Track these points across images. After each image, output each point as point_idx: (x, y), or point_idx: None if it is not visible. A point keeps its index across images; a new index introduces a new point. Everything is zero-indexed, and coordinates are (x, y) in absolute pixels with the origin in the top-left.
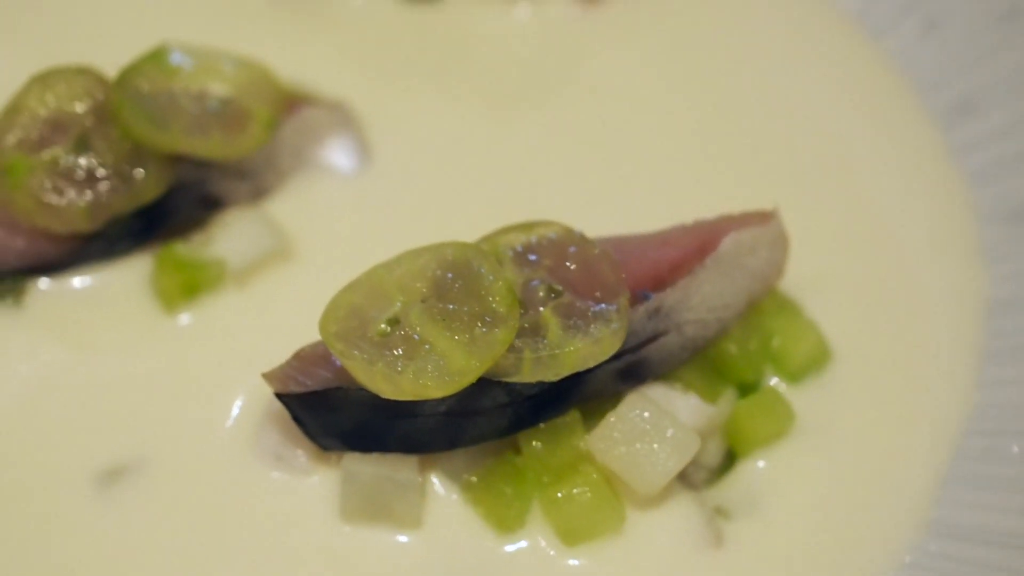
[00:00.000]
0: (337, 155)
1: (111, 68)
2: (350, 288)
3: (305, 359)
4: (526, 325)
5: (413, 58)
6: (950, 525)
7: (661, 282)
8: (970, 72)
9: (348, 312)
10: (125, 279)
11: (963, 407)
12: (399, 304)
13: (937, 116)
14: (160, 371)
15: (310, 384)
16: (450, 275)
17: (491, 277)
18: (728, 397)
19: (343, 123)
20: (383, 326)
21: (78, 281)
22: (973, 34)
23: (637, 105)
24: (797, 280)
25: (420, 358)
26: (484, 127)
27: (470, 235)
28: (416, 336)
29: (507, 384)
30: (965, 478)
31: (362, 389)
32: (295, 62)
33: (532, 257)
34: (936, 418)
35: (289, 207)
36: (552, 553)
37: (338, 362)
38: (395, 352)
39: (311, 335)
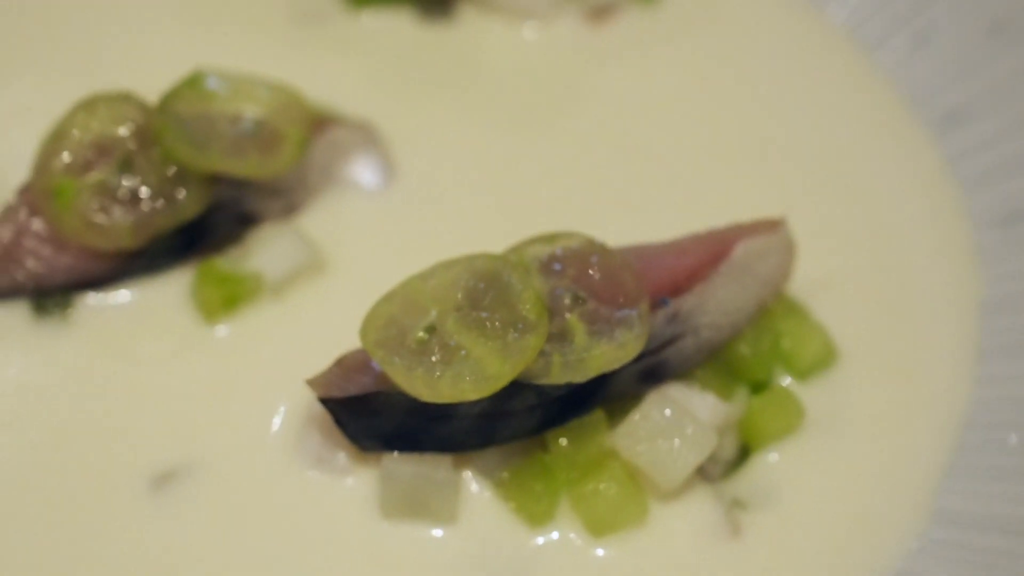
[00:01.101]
0: (363, 172)
1: (147, 93)
2: (387, 299)
3: (346, 366)
4: (554, 331)
5: (429, 76)
6: (953, 513)
7: (678, 288)
8: (960, 84)
9: (386, 321)
10: (167, 293)
11: (963, 402)
12: (435, 313)
13: (930, 126)
14: (204, 379)
15: (352, 389)
16: (482, 285)
17: (520, 286)
18: (741, 395)
19: (368, 141)
20: (421, 334)
21: (123, 296)
22: (962, 48)
23: (645, 119)
24: (803, 284)
25: (457, 364)
26: (501, 142)
27: (492, 246)
28: (452, 343)
29: (537, 386)
30: (967, 469)
31: (401, 393)
32: (318, 82)
33: (556, 267)
34: (938, 412)
35: (320, 222)
36: (580, 544)
37: (378, 368)
38: (433, 358)
39: (346, 343)
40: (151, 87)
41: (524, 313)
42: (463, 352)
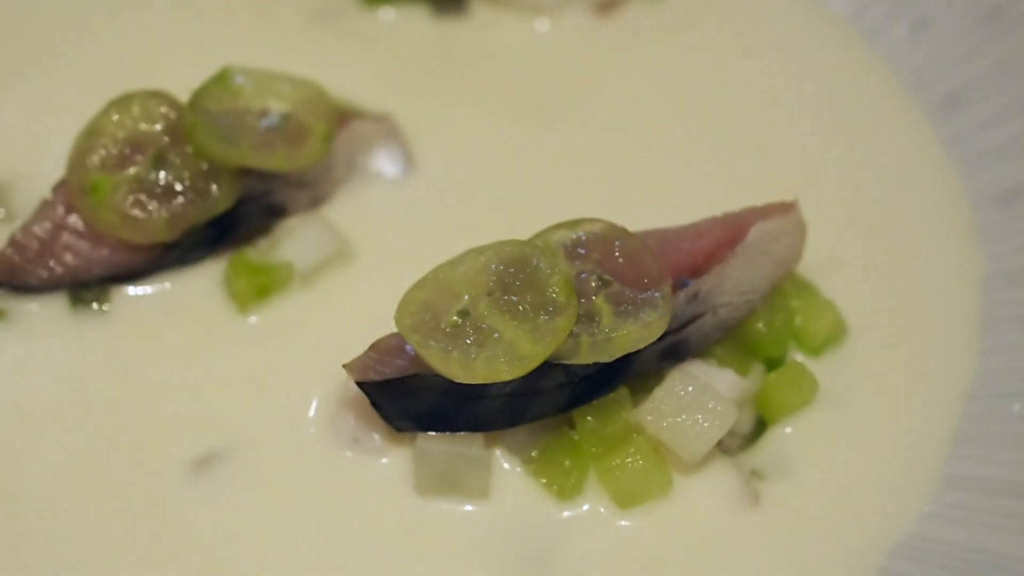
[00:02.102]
0: (384, 163)
1: (172, 90)
2: (419, 285)
3: (381, 350)
4: (581, 313)
5: (444, 69)
6: (962, 478)
7: (697, 270)
8: (957, 69)
9: (420, 307)
10: (200, 284)
11: (967, 372)
12: (467, 298)
13: (929, 110)
14: (239, 366)
15: (388, 372)
16: (511, 270)
17: (548, 270)
18: (757, 371)
19: (388, 133)
20: (454, 318)
21: (157, 287)
22: (958, 34)
23: (653, 107)
24: (812, 264)
25: (490, 346)
26: (515, 132)
27: (510, 232)
28: (485, 326)
29: (565, 366)
30: (973, 436)
31: (436, 375)
32: (337, 76)
33: (581, 251)
34: (943, 383)
35: (345, 213)
36: (607, 516)
37: (412, 352)
38: (467, 341)
39: (376, 328)
40: (175, 84)
41: (553, 296)
42: (496, 335)
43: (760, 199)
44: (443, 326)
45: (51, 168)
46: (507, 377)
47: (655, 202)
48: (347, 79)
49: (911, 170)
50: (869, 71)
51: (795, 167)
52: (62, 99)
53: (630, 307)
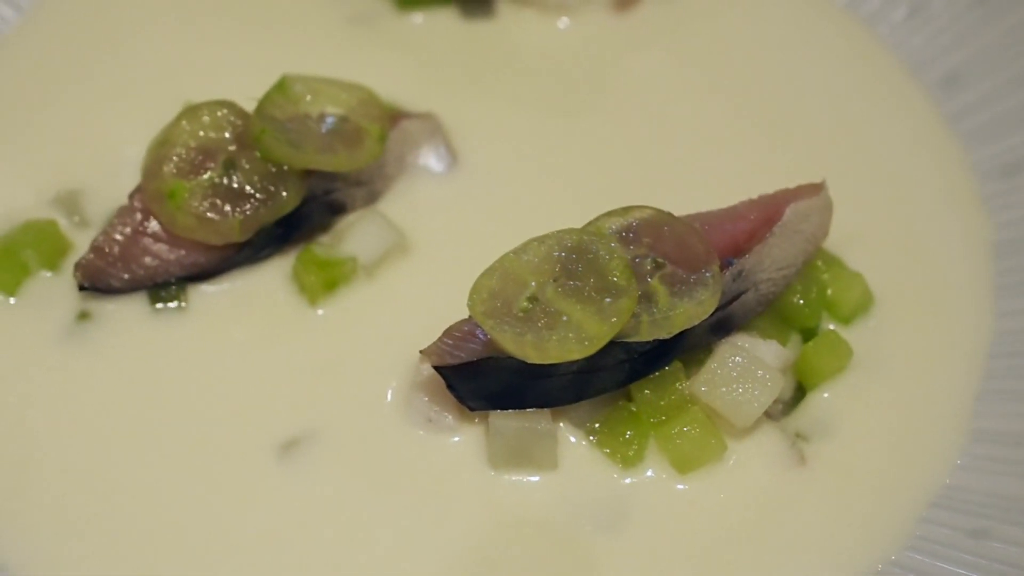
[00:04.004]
0: (431, 159)
1: (228, 96)
2: (487, 274)
3: (455, 335)
4: (640, 294)
5: (475, 67)
6: (989, 432)
7: (739, 249)
8: (954, 49)
9: (490, 295)
10: (270, 279)
11: (986, 334)
12: (534, 284)
13: (930, 89)
14: (314, 355)
15: (463, 356)
16: (573, 256)
17: (608, 256)
18: (794, 340)
19: (433, 131)
20: (525, 303)
21: (230, 284)
22: (953, 16)
23: (673, 96)
24: (836, 239)
25: (560, 328)
26: (547, 125)
27: (554, 220)
28: (554, 310)
29: (625, 344)
30: (996, 392)
31: (508, 357)
32: (377, 78)
33: (633, 236)
34: (965, 344)
35: (399, 207)
36: (668, 481)
37: (484, 336)
38: (539, 324)
39: (439, 314)
40: (227, 91)
41: (615, 280)
42: (564, 318)
43: (780, 180)
44: (514, 311)
45: (122, 176)
46: (577, 356)
47: (687, 187)
48: (386, 80)
49: (917, 146)
50: (872, 56)
51: (810, 149)
52: (124, 112)
53: (684, 287)
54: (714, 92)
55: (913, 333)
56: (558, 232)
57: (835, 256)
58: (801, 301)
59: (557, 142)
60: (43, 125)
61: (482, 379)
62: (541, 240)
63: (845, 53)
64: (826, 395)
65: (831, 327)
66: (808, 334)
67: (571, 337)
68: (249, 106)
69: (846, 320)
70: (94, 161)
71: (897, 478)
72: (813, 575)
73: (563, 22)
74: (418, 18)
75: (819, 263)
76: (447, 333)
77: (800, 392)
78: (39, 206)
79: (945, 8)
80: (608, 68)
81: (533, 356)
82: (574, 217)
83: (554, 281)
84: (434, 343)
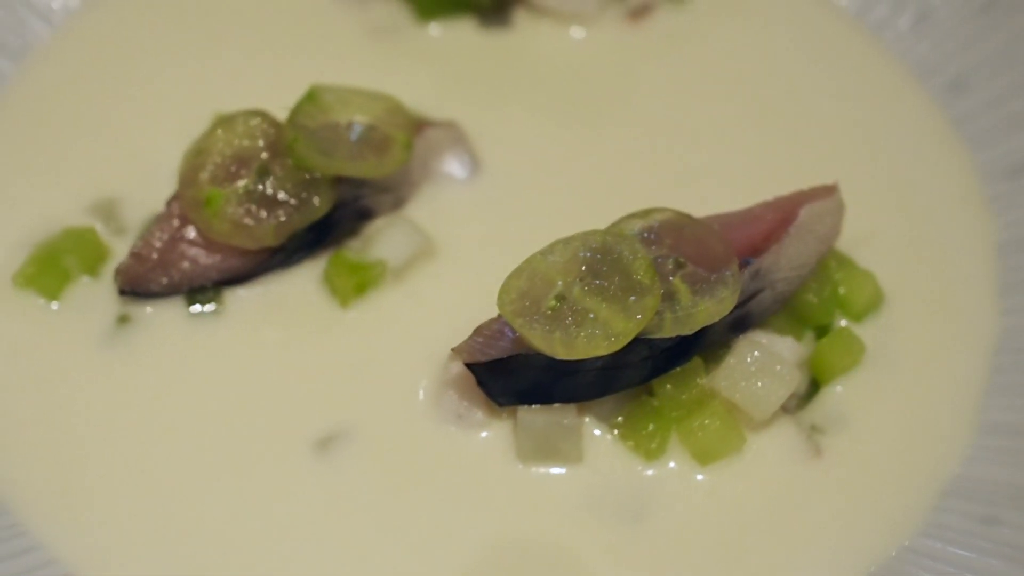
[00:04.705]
0: (454, 166)
1: (258, 107)
2: (515, 275)
3: (485, 334)
4: (662, 292)
5: (494, 76)
6: (997, 423)
7: (756, 250)
8: (959, 56)
9: (519, 294)
10: (302, 283)
11: (992, 330)
12: (561, 284)
13: (936, 94)
14: (346, 355)
15: (493, 354)
16: (598, 256)
17: (631, 256)
18: (808, 337)
19: (456, 138)
20: (552, 302)
21: (264, 288)
22: (958, 24)
23: (687, 103)
24: (847, 239)
25: (588, 325)
26: (565, 131)
27: (574, 223)
28: (581, 308)
29: (649, 341)
30: (1003, 386)
31: (537, 354)
32: (399, 87)
33: (655, 237)
34: (972, 340)
35: (425, 212)
36: (689, 472)
37: (513, 334)
38: (567, 322)
39: (467, 313)
40: (258, 101)
41: (639, 279)
42: (591, 315)
43: (793, 183)
44: (543, 310)
45: (156, 184)
46: (604, 352)
47: (704, 190)
48: (409, 90)
49: (925, 149)
50: (879, 62)
51: (822, 153)
52: (156, 122)
53: (705, 285)
54: (727, 99)
55: (923, 329)
56: (583, 234)
57: (847, 256)
58: (815, 299)
59: (576, 148)
60: (77, 136)
61: (511, 376)
62: (567, 241)
63: (854, 60)
64: (839, 389)
65: (844, 324)
66: (822, 331)
67: (598, 334)
68: (280, 116)
69: (858, 317)
70: (128, 170)
71: (910, 468)
72: (830, 561)
73: (578, 32)
74: (438, 30)
75: (832, 262)
76: (477, 331)
77: (814, 387)
78: (76, 213)
79: (950, 16)
80: (623, 76)
81: (561, 352)
82: (594, 220)
83: (580, 280)
84: (465, 341)
